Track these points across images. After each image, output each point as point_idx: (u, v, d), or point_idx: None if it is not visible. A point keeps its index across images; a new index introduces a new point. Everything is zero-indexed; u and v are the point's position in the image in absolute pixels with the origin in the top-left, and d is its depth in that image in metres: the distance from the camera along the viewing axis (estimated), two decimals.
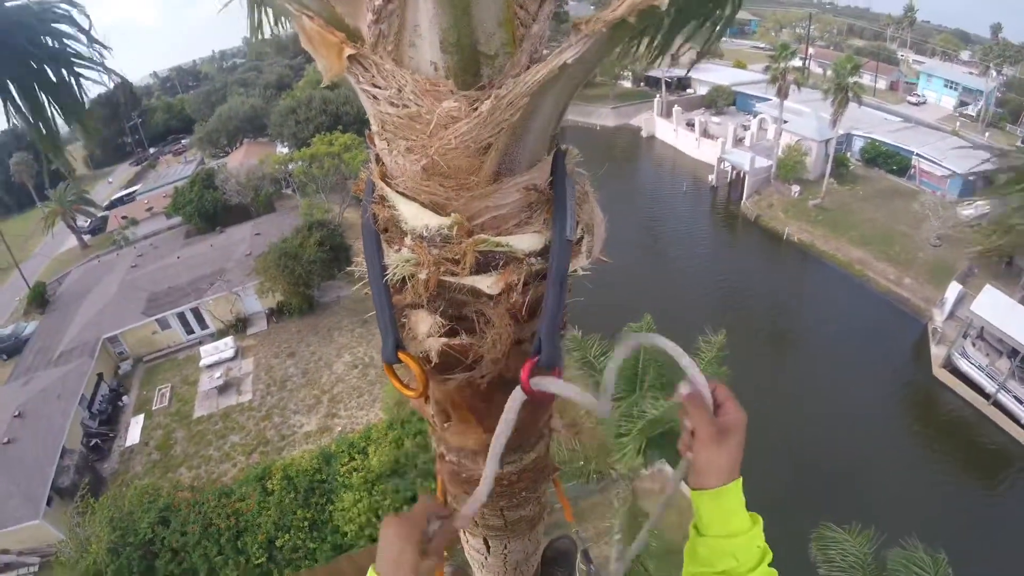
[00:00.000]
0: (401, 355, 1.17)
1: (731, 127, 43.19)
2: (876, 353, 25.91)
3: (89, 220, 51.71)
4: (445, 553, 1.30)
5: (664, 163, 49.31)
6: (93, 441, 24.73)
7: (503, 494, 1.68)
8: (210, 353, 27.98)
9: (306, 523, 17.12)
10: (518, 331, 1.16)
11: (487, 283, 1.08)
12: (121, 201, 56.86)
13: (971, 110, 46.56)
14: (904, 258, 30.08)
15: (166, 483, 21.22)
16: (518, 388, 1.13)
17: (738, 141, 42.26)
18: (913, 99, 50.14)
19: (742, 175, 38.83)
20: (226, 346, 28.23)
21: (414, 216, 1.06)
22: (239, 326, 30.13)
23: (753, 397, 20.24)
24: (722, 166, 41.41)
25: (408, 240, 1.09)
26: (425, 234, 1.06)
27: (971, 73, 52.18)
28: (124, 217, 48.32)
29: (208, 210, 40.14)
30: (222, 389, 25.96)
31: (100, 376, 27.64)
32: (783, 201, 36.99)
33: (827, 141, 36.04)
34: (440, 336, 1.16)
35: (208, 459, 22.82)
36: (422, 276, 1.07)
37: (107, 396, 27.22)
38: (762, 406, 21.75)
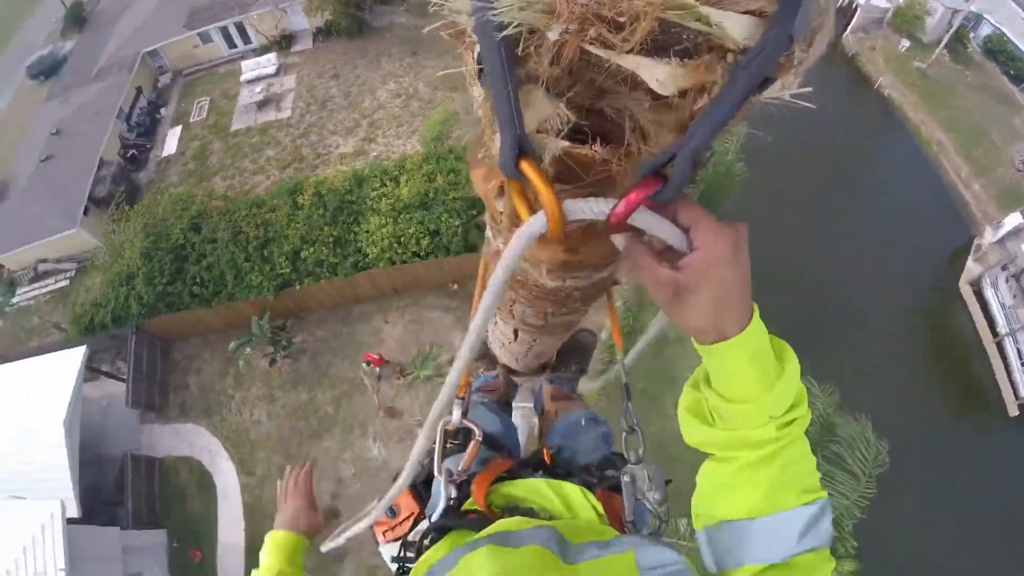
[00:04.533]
0: (525, 166, 0.67)
1: None
2: (914, 238, 25.29)
3: None
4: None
5: None
6: (130, 152, 25.11)
7: (555, 301, 1.29)
8: (251, 68, 27.19)
9: (331, 240, 17.48)
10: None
11: (660, 74, 0.59)
12: None
13: None
14: (983, 164, 27.72)
15: (200, 192, 21.68)
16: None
17: None
18: None
19: (855, 5, 34.75)
20: (268, 62, 27.27)
21: None
22: (283, 43, 28.68)
23: (780, 227, 20.87)
24: None
25: None
26: None
27: None
28: None
29: None
30: (261, 104, 25.70)
31: (139, 90, 27.37)
32: (887, 50, 33.37)
33: (955, 12, 31.91)
34: (560, 137, 0.68)
35: (242, 171, 23.13)
36: (552, 36, 0.59)
37: (145, 109, 27.17)
38: (786, 239, 21.46)
